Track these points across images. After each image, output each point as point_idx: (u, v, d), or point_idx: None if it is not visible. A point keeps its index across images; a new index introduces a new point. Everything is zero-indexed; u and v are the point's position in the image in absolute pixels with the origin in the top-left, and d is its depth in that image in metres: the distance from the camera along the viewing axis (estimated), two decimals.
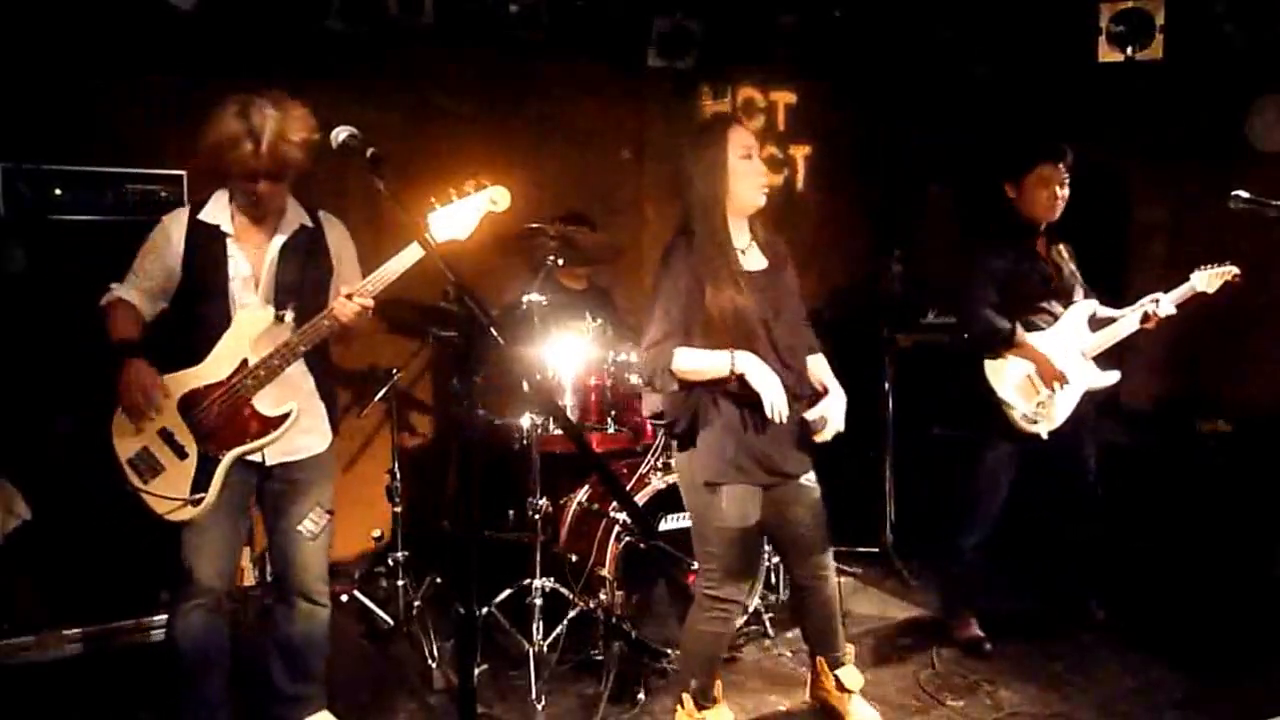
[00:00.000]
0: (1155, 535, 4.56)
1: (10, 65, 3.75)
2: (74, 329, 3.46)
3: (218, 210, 2.79)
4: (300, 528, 2.89)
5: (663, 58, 4.97)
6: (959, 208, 5.79)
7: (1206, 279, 3.67)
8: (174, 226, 2.79)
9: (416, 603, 3.88)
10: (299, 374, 2.84)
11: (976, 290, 3.68)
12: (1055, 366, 3.59)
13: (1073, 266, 3.79)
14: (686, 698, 3.04)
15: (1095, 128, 5.09)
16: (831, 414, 2.92)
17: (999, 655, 3.76)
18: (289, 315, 2.78)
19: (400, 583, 4.00)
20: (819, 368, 3.06)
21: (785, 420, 2.77)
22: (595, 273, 4.65)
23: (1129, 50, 4.40)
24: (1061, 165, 3.67)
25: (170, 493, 2.69)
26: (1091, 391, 3.75)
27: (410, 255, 2.66)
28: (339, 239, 2.95)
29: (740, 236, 2.92)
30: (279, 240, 2.82)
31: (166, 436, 2.71)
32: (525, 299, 3.73)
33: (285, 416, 2.76)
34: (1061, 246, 3.80)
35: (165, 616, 3.23)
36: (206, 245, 2.76)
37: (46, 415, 3.51)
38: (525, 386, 3.72)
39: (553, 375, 3.76)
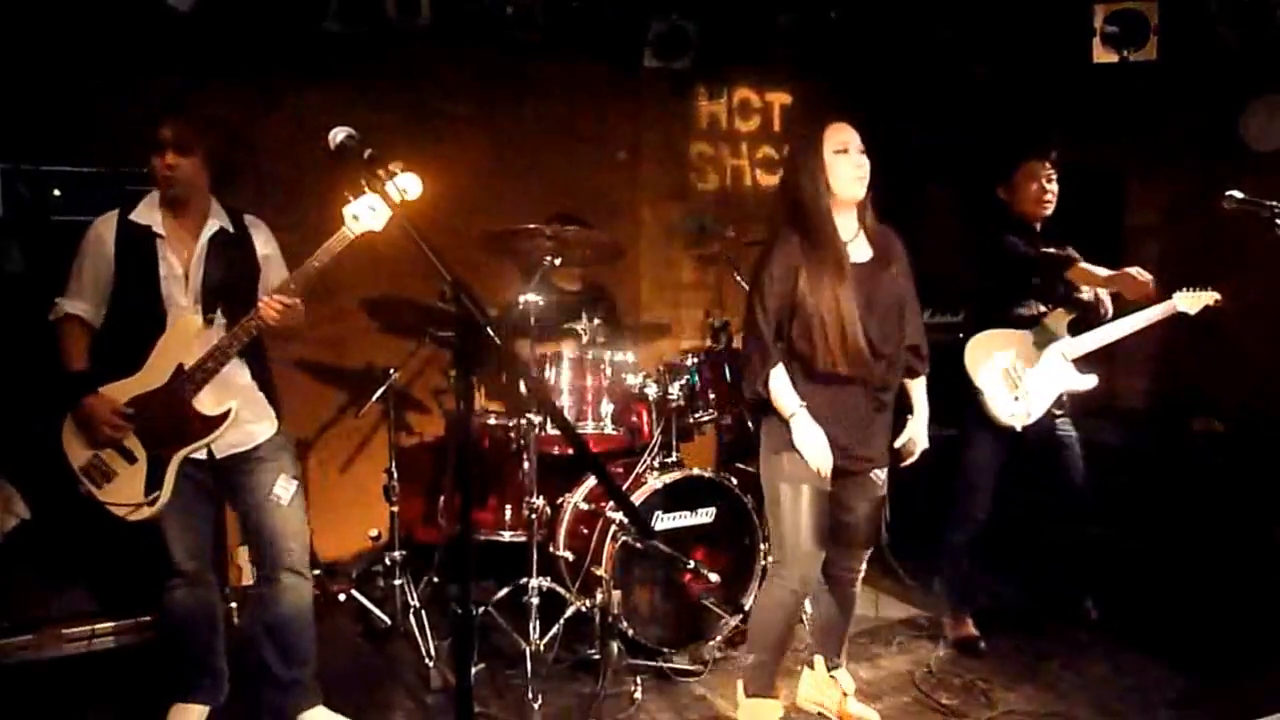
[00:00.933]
0: (1149, 534, 4.57)
1: (9, 66, 3.76)
2: None
3: (148, 211, 2.88)
4: (271, 495, 2.97)
5: (659, 59, 4.97)
6: (959, 207, 5.79)
7: (1188, 300, 3.68)
8: (104, 228, 2.87)
9: (414, 602, 3.88)
10: (235, 370, 2.93)
11: (1008, 238, 3.72)
12: (1134, 276, 3.57)
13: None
14: (741, 682, 3.10)
15: (1090, 129, 5.11)
16: (918, 436, 3.08)
17: (994, 654, 3.77)
18: (218, 318, 2.88)
19: (397, 582, 4.00)
20: (914, 386, 3.12)
21: (826, 470, 2.86)
22: (591, 274, 4.66)
23: (1124, 51, 4.41)
24: (1047, 161, 3.74)
25: (125, 498, 2.82)
26: (1071, 394, 3.78)
27: (329, 249, 2.79)
28: (263, 240, 3.05)
29: (847, 228, 2.95)
30: (204, 239, 2.91)
31: (115, 444, 2.82)
32: (521, 299, 3.73)
33: (225, 415, 2.88)
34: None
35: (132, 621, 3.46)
36: (138, 245, 2.86)
37: (44, 415, 3.51)
38: (521, 386, 3.73)
39: (549, 375, 3.77)
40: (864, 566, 3.19)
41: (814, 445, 2.84)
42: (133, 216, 2.87)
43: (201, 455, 2.89)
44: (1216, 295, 3.70)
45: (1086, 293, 3.80)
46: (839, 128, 2.90)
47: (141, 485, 2.82)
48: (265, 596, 3.02)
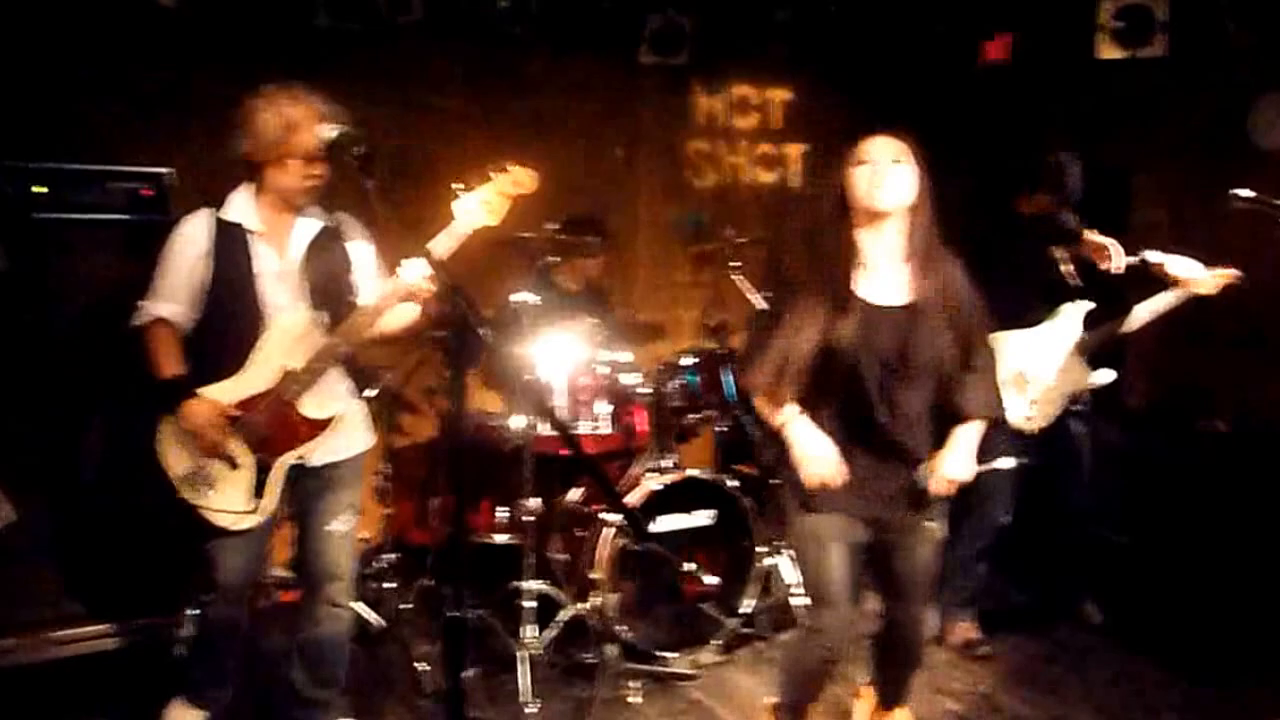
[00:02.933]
0: (1153, 536, 4.53)
1: None
2: (55, 328, 3.43)
3: (239, 208, 2.76)
4: (330, 527, 2.88)
5: (655, 54, 4.93)
6: (962, 207, 5.75)
7: (1206, 283, 3.56)
8: (196, 228, 2.75)
9: (406, 605, 3.84)
10: (336, 375, 2.84)
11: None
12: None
13: (1071, 268, 3.75)
14: (772, 707, 2.96)
15: (1097, 125, 5.06)
16: (944, 468, 2.65)
17: (997, 658, 3.73)
18: (322, 318, 2.77)
19: (389, 585, 3.95)
20: (962, 430, 2.69)
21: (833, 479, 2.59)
22: (592, 272, 4.60)
23: (1130, 47, 4.37)
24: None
25: (228, 505, 2.71)
26: (1084, 391, 3.72)
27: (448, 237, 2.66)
28: (359, 237, 2.93)
29: (876, 255, 2.62)
30: (302, 235, 2.80)
31: (219, 450, 2.69)
32: (518, 299, 3.68)
33: (332, 419, 2.78)
34: (1064, 248, 3.75)
35: (156, 620, 3.39)
36: (232, 244, 2.73)
37: (34, 416, 3.47)
38: (517, 387, 3.68)
39: (545, 375, 3.72)
40: (921, 620, 2.86)
41: (810, 454, 2.58)
42: (224, 214, 2.75)
43: (298, 461, 2.78)
44: (1235, 272, 3.57)
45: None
46: (870, 140, 2.61)
47: (245, 493, 2.71)
48: (304, 620, 2.97)
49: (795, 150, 5.77)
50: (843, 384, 2.58)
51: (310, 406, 2.76)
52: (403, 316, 2.84)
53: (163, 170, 3.60)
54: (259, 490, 2.72)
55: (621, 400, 3.85)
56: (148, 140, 3.82)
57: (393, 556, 3.99)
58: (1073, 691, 3.50)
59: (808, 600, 2.78)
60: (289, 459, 2.75)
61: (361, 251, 2.92)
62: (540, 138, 5.03)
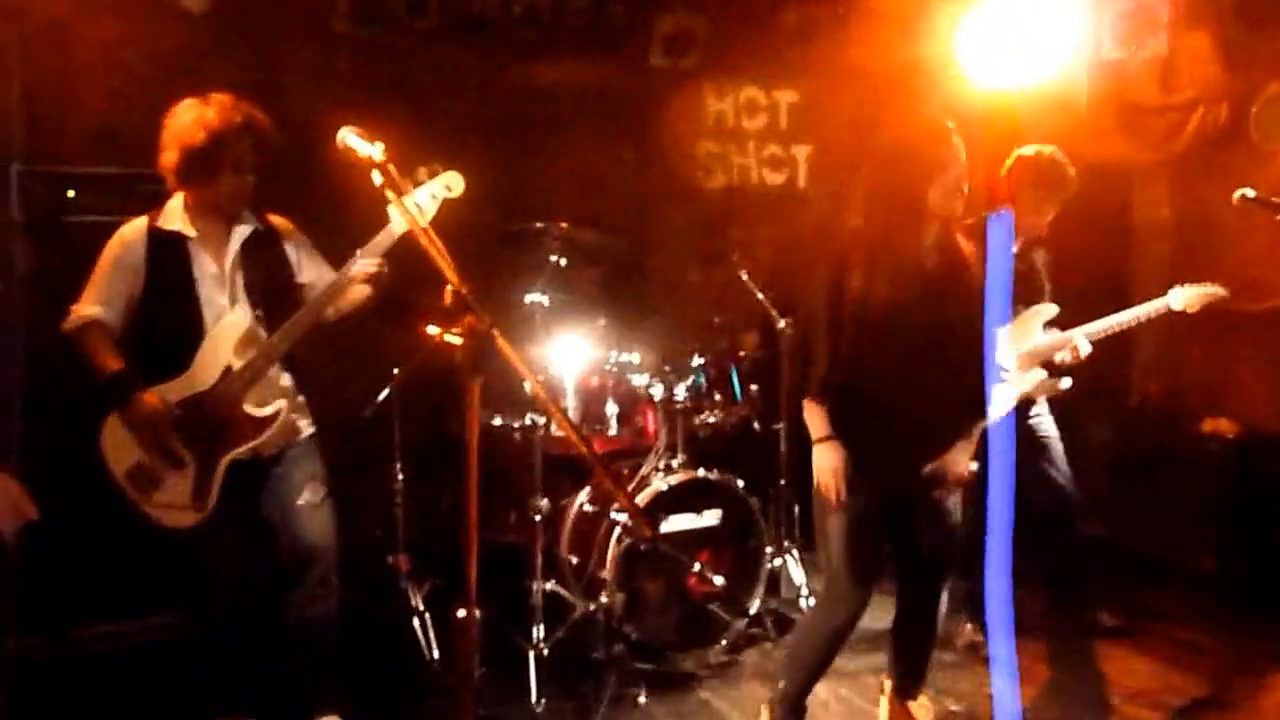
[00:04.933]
0: (1158, 537, 4.54)
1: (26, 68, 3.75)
2: None
3: (174, 216, 2.86)
4: (300, 501, 2.93)
5: (665, 57, 4.95)
6: None
7: (1186, 298, 3.41)
8: (131, 235, 2.85)
9: (417, 605, 3.86)
10: (277, 372, 2.92)
11: None
12: None
13: (1042, 271, 3.63)
14: (767, 706, 3.00)
15: (1093, 125, 5.06)
16: (949, 463, 2.82)
17: None
18: (261, 317, 2.86)
19: (401, 585, 3.98)
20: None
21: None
22: (606, 275, 4.62)
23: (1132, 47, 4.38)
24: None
25: (172, 502, 2.76)
26: (1032, 395, 3.52)
27: (378, 245, 2.84)
28: (292, 236, 3.05)
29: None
30: (237, 239, 2.90)
31: (160, 449, 2.75)
32: (528, 299, 3.71)
33: (275, 416, 2.84)
34: (1042, 250, 3.66)
35: (149, 622, 3.47)
36: (168, 250, 2.84)
37: (59, 416, 3.50)
38: (526, 387, 3.70)
39: (555, 376, 3.74)
40: (940, 599, 2.97)
41: (822, 467, 2.75)
42: (160, 223, 2.85)
43: (246, 458, 2.84)
44: (1219, 290, 3.44)
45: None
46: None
47: (189, 491, 2.77)
48: (290, 602, 2.99)
49: (802, 152, 5.78)
50: (900, 351, 2.69)
51: (252, 404, 2.82)
52: (355, 297, 2.98)
53: None
54: (203, 489, 2.77)
55: (630, 401, 3.88)
56: None
57: (403, 556, 4.02)
58: (1077, 693, 3.49)
59: (828, 572, 2.86)
60: (231, 456, 2.80)
61: (296, 252, 3.03)
62: (552, 140, 5.05)
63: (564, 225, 3.88)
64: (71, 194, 3.59)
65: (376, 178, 2.29)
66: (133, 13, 3.90)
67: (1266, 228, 3.03)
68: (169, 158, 2.77)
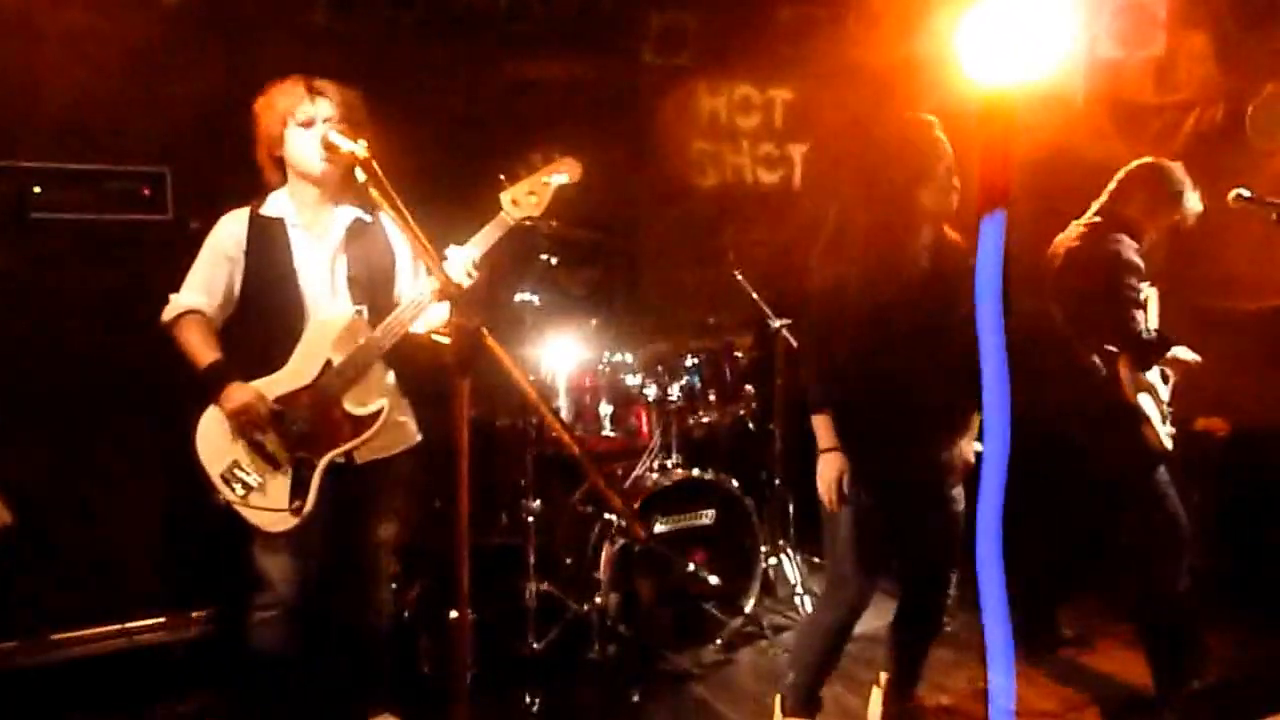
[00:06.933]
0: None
1: None
2: (53, 329, 3.43)
3: (278, 205, 2.73)
4: (376, 540, 2.88)
5: (658, 54, 4.93)
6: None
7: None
8: (234, 224, 2.72)
9: (409, 607, 3.84)
10: (380, 370, 2.79)
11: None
12: None
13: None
14: (779, 698, 2.98)
15: (1089, 124, 5.05)
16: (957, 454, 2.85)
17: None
18: (365, 311, 2.72)
19: (392, 587, 3.95)
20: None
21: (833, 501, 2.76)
22: (600, 275, 4.59)
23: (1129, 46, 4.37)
24: None
25: (268, 504, 2.62)
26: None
27: (488, 235, 2.71)
28: (398, 234, 2.86)
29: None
30: (340, 228, 2.76)
31: (256, 447, 2.63)
32: (518, 299, 3.69)
33: (377, 414, 2.70)
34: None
35: (147, 622, 3.39)
36: (271, 238, 2.70)
37: (31, 416, 3.47)
38: (518, 387, 3.68)
39: (547, 376, 3.72)
40: (947, 589, 2.94)
41: (822, 477, 2.76)
42: (264, 210, 2.72)
43: (341, 460, 2.71)
44: (1194, 358, 3.43)
45: None
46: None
47: (285, 493, 2.62)
48: (344, 614, 2.95)
49: (798, 150, 5.76)
50: (901, 344, 2.69)
51: (353, 402, 2.69)
52: (433, 320, 2.78)
53: (161, 170, 3.60)
54: (299, 490, 2.63)
55: (624, 401, 3.86)
56: (146, 140, 3.80)
57: (394, 558, 3.98)
58: (1075, 688, 3.49)
59: (832, 559, 2.86)
60: (330, 457, 2.67)
61: (401, 246, 2.86)
62: (542, 138, 5.01)
63: (554, 224, 3.86)
64: (38, 190, 3.53)
65: (359, 174, 2.25)
66: (102, 3, 3.85)
67: (1262, 227, 3.03)
68: (255, 149, 2.68)
